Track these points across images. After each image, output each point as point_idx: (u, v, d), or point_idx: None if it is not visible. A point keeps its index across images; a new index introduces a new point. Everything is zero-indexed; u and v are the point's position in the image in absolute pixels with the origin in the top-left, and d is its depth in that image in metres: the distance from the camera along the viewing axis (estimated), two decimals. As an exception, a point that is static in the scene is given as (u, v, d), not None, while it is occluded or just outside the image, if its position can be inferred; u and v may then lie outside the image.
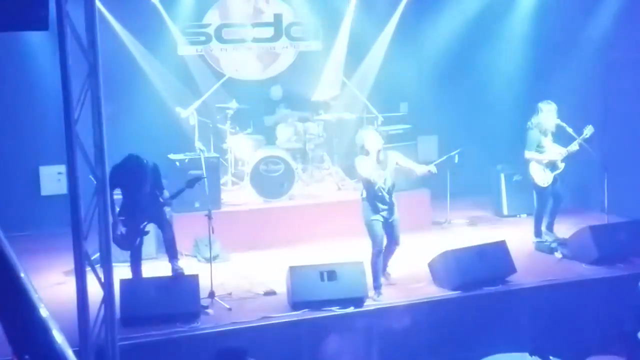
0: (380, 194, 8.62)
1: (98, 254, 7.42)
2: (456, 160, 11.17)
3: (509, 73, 12.70)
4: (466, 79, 12.69)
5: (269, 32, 12.51)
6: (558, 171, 10.05)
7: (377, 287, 8.66)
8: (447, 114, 12.36)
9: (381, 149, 8.71)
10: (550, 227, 10.37)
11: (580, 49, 12.00)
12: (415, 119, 12.25)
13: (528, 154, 10.05)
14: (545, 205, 10.26)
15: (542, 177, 10.07)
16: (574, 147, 9.86)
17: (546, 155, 9.99)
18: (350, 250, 9.67)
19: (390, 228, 8.77)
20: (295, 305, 8.26)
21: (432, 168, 8.90)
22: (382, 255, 8.77)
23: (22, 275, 1.78)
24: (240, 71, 12.50)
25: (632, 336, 7.55)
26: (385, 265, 9.02)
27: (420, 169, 8.92)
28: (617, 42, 11.65)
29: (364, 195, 8.73)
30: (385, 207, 8.68)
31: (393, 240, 8.87)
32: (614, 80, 11.78)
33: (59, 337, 1.63)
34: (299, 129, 11.81)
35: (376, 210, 8.66)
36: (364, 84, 12.43)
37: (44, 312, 1.72)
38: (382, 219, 8.69)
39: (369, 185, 8.64)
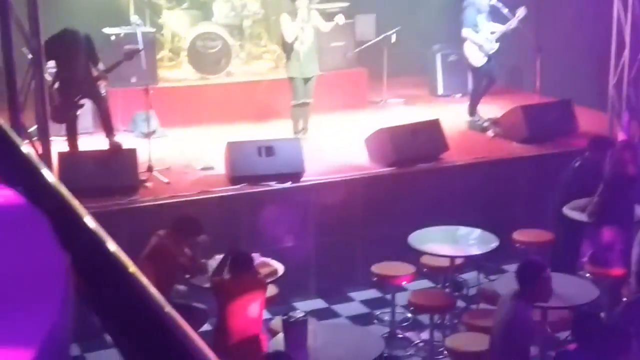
0: (299, 50, 9.35)
1: (35, 127, 7.38)
2: (393, 40, 11.25)
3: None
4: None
5: None
6: (492, 51, 10.19)
7: (297, 132, 9.61)
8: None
9: (307, 6, 9.41)
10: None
11: None
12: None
13: (465, 32, 10.14)
14: (480, 84, 10.44)
15: (477, 57, 10.20)
16: (508, 26, 10.00)
17: (482, 35, 10.10)
18: (287, 127, 9.76)
19: (307, 83, 9.56)
20: (234, 180, 8.37)
21: (340, 19, 9.78)
22: (299, 108, 9.62)
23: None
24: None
25: (558, 211, 7.89)
26: (305, 123, 9.78)
27: (330, 25, 9.79)
28: None
29: (287, 55, 9.57)
30: (301, 62, 9.42)
31: (306, 96, 9.61)
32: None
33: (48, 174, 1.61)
34: (236, 4, 11.63)
35: (296, 66, 9.45)
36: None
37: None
38: (300, 75, 9.49)
39: (290, 42, 9.35)
